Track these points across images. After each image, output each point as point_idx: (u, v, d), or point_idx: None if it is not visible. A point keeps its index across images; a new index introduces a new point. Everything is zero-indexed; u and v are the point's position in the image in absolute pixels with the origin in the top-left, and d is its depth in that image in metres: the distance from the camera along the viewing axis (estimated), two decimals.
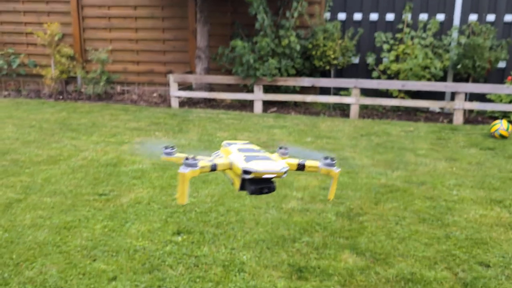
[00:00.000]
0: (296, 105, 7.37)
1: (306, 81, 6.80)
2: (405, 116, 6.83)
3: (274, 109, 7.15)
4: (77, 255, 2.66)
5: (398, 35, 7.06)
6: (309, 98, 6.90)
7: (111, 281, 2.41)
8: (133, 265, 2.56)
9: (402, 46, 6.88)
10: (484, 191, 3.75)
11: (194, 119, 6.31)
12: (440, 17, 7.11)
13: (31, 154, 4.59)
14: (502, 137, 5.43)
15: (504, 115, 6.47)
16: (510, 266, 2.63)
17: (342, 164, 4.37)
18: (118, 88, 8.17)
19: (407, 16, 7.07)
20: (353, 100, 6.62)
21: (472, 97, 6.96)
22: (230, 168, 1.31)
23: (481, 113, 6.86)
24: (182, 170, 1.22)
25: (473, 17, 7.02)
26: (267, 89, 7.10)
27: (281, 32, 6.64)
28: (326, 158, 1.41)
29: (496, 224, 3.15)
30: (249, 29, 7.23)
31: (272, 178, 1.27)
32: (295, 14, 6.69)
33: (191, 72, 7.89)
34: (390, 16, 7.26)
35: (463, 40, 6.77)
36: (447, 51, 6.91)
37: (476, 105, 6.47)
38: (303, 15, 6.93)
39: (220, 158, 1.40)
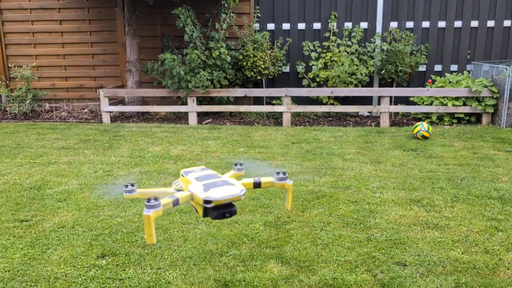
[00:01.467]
0: (231, 115, 7.43)
1: (238, 92, 6.87)
2: (336, 121, 7.07)
3: (209, 120, 7.17)
4: None
5: (325, 43, 7.32)
6: (242, 108, 6.98)
7: None
8: None
9: (329, 54, 7.13)
10: (405, 192, 3.95)
11: (125, 134, 6.19)
12: (364, 25, 7.44)
13: None
14: (424, 137, 5.76)
15: (426, 116, 6.86)
16: (425, 263, 2.79)
17: (271, 173, 4.46)
18: (47, 105, 7.86)
19: (333, 25, 7.34)
20: (285, 109, 6.78)
21: (397, 100, 7.33)
22: (192, 199, 1.35)
23: (405, 115, 7.24)
24: (146, 212, 1.22)
25: (393, 24, 7.41)
26: (201, 100, 7.10)
27: (211, 44, 6.68)
28: (278, 173, 1.52)
29: (414, 223, 3.34)
30: (179, 41, 7.21)
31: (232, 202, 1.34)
32: (224, 26, 6.76)
33: (122, 86, 7.75)
34: (317, 25, 7.51)
35: (385, 46, 7.12)
36: (372, 57, 7.24)
37: (400, 108, 6.82)
38: (232, 26, 7.02)
39: (181, 190, 1.44)
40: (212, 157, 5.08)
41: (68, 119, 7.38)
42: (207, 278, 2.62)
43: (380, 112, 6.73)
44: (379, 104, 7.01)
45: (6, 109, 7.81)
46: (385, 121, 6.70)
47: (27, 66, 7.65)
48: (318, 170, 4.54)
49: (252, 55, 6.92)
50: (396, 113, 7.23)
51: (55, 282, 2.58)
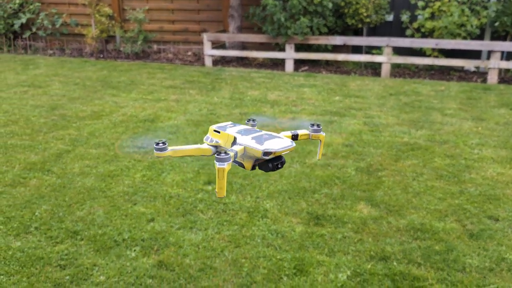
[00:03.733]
0: (327, 64, 7.44)
1: (338, 40, 6.83)
2: (438, 75, 6.79)
3: (306, 68, 7.25)
4: (120, 199, 3.01)
5: None
6: (340, 56, 6.95)
7: (150, 222, 2.74)
8: (168, 209, 2.88)
9: (438, 3, 6.75)
10: (507, 151, 3.83)
11: (226, 78, 6.53)
12: None
13: (76, 109, 4.97)
14: None
15: None
16: None
17: (367, 123, 4.53)
18: (155, 47, 8.43)
19: None
20: (385, 59, 6.63)
21: (509, 56, 6.81)
22: (244, 153, 1.38)
23: None
24: (221, 165, 1.26)
25: None
26: (299, 47, 7.18)
27: None
28: (312, 125, 1.54)
29: None
30: None
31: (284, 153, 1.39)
32: None
33: (224, 31, 8.03)
34: None
35: None
36: (485, 8, 6.73)
37: None
38: None
39: (217, 146, 1.47)
40: (307, 104, 5.23)
41: (174, 60, 7.89)
42: (300, 210, 2.87)
43: (489, 68, 6.33)
44: (488, 59, 6.58)
45: (120, 49, 8.51)
46: (493, 78, 6.31)
47: (140, 9, 8.20)
48: (415, 123, 4.51)
49: (354, 2, 6.78)
50: (507, 70, 6.74)
51: (169, 200, 2.99)
